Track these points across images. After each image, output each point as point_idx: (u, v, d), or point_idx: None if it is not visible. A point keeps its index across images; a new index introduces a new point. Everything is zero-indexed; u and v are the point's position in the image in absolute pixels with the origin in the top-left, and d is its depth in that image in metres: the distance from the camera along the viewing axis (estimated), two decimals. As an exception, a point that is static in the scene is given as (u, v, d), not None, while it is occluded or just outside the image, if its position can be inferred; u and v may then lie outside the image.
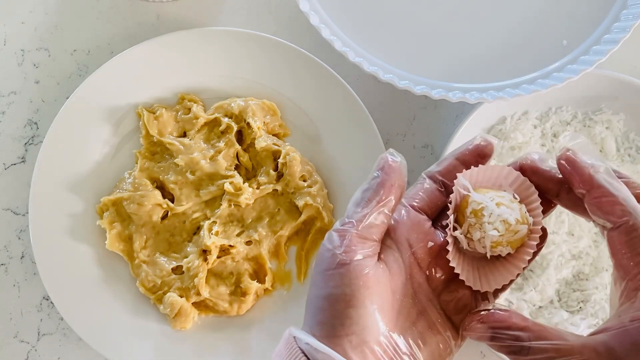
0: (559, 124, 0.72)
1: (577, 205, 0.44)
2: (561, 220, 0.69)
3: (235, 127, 0.71)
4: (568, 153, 0.43)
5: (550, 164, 0.45)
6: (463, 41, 0.69)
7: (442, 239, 0.46)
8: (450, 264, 0.44)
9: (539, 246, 0.45)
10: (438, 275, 0.46)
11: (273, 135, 0.73)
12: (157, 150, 0.72)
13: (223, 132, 0.72)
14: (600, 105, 0.73)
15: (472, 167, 0.46)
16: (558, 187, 0.45)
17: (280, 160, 0.71)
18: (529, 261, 0.44)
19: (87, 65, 0.76)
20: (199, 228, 0.71)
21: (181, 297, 0.68)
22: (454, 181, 0.45)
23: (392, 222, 0.46)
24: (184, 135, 0.73)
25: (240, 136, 0.73)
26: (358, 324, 0.41)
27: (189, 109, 0.72)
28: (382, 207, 0.44)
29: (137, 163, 0.72)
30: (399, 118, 0.76)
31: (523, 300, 0.69)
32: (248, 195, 0.70)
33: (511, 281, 0.45)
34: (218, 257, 0.70)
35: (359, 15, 0.69)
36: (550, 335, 0.41)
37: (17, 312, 0.73)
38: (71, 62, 0.76)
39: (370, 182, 0.45)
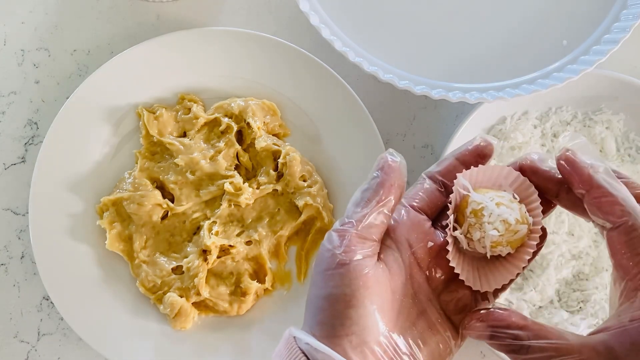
0: (559, 124, 0.72)
1: (576, 206, 0.44)
2: (561, 220, 0.69)
3: (235, 127, 0.71)
4: (567, 153, 0.43)
5: (549, 164, 0.45)
6: (463, 41, 0.69)
7: (441, 239, 0.46)
8: (450, 264, 0.45)
9: (539, 246, 0.45)
10: (438, 275, 0.46)
11: (273, 135, 0.73)
12: (157, 150, 0.72)
13: (223, 132, 0.72)
14: (600, 105, 0.73)
15: (472, 167, 0.46)
16: (557, 187, 0.45)
17: (280, 160, 0.71)
18: (529, 261, 0.44)
19: (87, 65, 0.76)
20: (199, 228, 0.71)
21: (181, 297, 0.68)
22: (454, 181, 0.45)
23: (392, 222, 0.46)
24: (184, 135, 0.73)
25: (240, 136, 0.73)
26: (358, 324, 0.41)
27: (189, 109, 0.72)
28: (382, 207, 0.44)
29: (137, 163, 0.72)
30: (399, 118, 0.76)
31: (523, 300, 0.69)
32: (248, 195, 0.70)
33: (511, 281, 0.45)
34: (218, 257, 0.70)
35: (359, 15, 0.69)
36: (549, 334, 0.41)
37: (17, 312, 0.74)
38: (71, 62, 0.76)
39: (369, 182, 0.45)
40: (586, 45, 0.68)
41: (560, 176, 0.44)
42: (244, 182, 0.70)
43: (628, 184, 0.43)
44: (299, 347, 0.41)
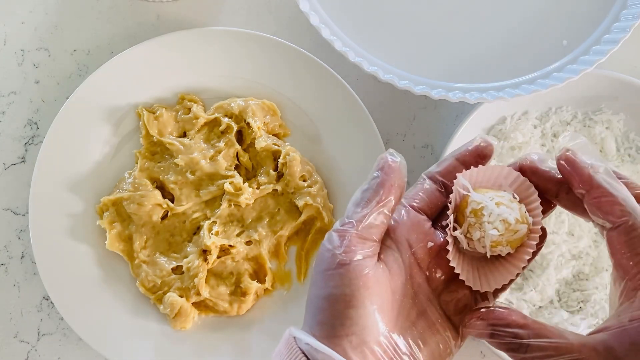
0: (559, 124, 0.72)
1: (576, 206, 0.44)
2: (561, 220, 0.69)
3: (235, 127, 0.71)
4: (567, 153, 0.43)
5: (549, 165, 0.45)
6: (463, 41, 0.69)
7: (441, 240, 0.46)
8: (450, 264, 0.45)
9: (539, 246, 0.45)
10: (438, 275, 0.46)
11: (273, 135, 0.73)
12: (157, 150, 0.72)
13: (223, 132, 0.72)
14: (600, 105, 0.73)
15: (472, 167, 0.46)
16: (557, 187, 0.45)
17: (280, 160, 0.71)
18: (529, 261, 0.44)
19: (87, 65, 0.76)
20: (199, 228, 0.71)
21: (181, 297, 0.68)
22: (454, 181, 0.45)
23: (392, 222, 0.46)
24: (184, 135, 0.73)
25: (240, 136, 0.73)
26: (358, 324, 0.41)
27: (189, 109, 0.72)
28: (382, 208, 0.44)
29: (137, 163, 0.72)
30: (399, 118, 0.76)
31: (523, 300, 0.69)
32: (248, 195, 0.70)
33: (511, 281, 0.45)
34: (218, 257, 0.70)
35: (359, 15, 0.69)
36: (549, 333, 0.41)
37: (17, 312, 0.74)
38: (71, 62, 0.76)
39: (370, 182, 0.45)
40: (586, 45, 0.68)
41: (560, 176, 0.44)
42: (244, 182, 0.70)
43: (628, 185, 0.43)
44: (299, 348, 0.41)
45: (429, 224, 0.47)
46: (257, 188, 0.71)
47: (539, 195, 0.45)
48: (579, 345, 0.40)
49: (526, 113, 0.72)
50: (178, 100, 0.73)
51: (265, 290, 0.71)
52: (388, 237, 0.46)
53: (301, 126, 0.73)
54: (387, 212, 0.44)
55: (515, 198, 0.44)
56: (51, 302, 0.73)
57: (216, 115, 0.72)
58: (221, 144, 0.71)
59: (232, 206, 0.71)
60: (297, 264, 0.72)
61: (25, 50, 0.76)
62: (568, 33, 0.69)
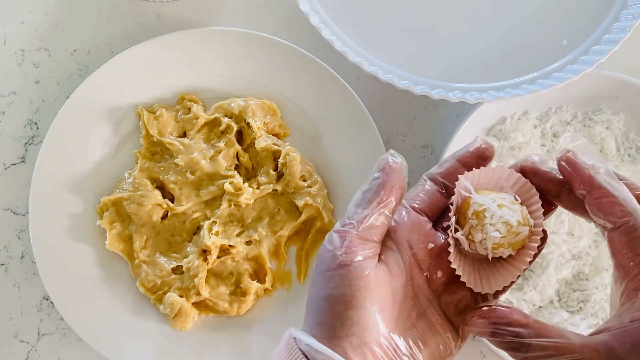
0: (559, 124, 0.72)
1: (577, 206, 0.44)
2: (561, 221, 0.69)
3: (235, 127, 0.71)
4: (568, 154, 0.43)
5: (550, 165, 0.45)
6: (463, 41, 0.69)
7: (442, 241, 0.46)
8: (452, 266, 0.45)
9: (540, 248, 0.45)
10: (438, 276, 0.46)
11: (273, 135, 0.73)
12: (157, 150, 0.72)
13: (223, 132, 0.72)
14: (600, 105, 0.73)
15: (474, 169, 0.46)
16: (559, 188, 0.45)
17: (280, 160, 0.71)
18: (530, 263, 0.44)
19: (87, 65, 0.76)
20: (199, 228, 0.71)
21: (181, 297, 0.68)
22: (456, 183, 0.45)
23: (393, 223, 0.46)
24: (184, 135, 0.73)
25: (240, 136, 0.73)
26: (358, 325, 0.41)
27: (189, 109, 0.72)
28: (383, 208, 0.44)
29: (137, 163, 0.72)
30: (399, 118, 0.76)
31: (523, 300, 0.69)
32: (248, 195, 0.70)
33: (512, 283, 0.45)
34: (218, 257, 0.70)
35: (359, 15, 0.69)
36: (550, 333, 0.41)
37: (17, 312, 0.74)
38: (71, 62, 0.76)
39: (370, 183, 0.45)
40: (586, 45, 0.68)
41: (561, 177, 0.44)
42: (244, 182, 0.70)
43: (628, 186, 0.43)
44: (299, 348, 0.41)
45: (430, 225, 0.47)
46: (257, 188, 0.71)
47: (540, 196, 0.45)
48: (580, 346, 0.40)
49: (526, 113, 0.72)
50: (178, 100, 0.73)
51: (265, 290, 0.71)
52: (389, 238, 0.46)
53: (301, 126, 0.73)
54: (387, 213, 0.44)
55: (517, 200, 0.44)
56: (51, 302, 0.73)
57: (216, 115, 0.72)
58: (221, 144, 0.71)
59: (232, 206, 0.71)
60: (297, 264, 0.72)
61: (25, 50, 0.76)
62: (568, 33, 0.69)
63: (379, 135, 0.70)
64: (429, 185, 0.47)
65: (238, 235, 0.71)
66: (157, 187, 0.71)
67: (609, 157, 0.72)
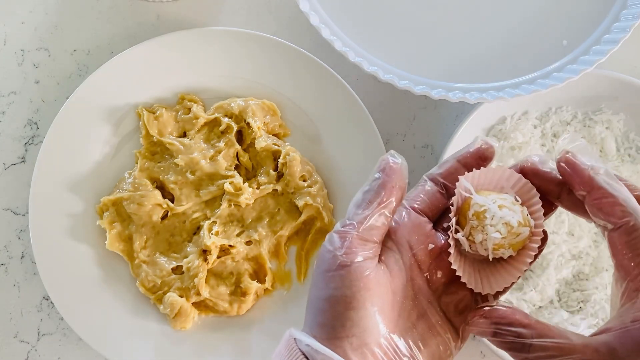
0: (559, 124, 0.72)
1: (578, 207, 0.44)
2: (561, 220, 0.69)
3: (235, 127, 0.71)
4: (567, 155, 0.43)
5: (550, 166, 0.45)
6: (463, 41, 0.69)
7: (442, 241, 0.46)
8: (452, 267, 0.44)
9: (540, 249, 0.45)
10: (438, 277, 0.46)
11: (273, 135, 0.73)
12: (157, 150, 0.72)
13: (223, 132, 0.72)
14: (600, 105, 0.73)
15: (474, 169, 0.46)
16: (559, 188, 0.45)
17: (280, 160, 0.71)
18: (530, 264, 0.44)
19: (87, 65, 0.76)
20: (199, 228, 0.71)
21: (181, 297, 0.68)
22: (456, 183, 0.45)
23: (393, 224, 0.46)
24: (184, 135, 0.73)
25: (240, 136, 0.73)
26: (359, 326, 0.41)
27: (189, 109, 0.72)
28: (383, 209, 0.44)
29: (137, 163, 0.72)
30: (399, 118, 0.76)
31: (523, 300, 0.69)
32: (248, 195, 0.70)
33: (512, 283, 0.45)
34: (218, 257, 0.70)
35: (359, 15, 0.69)
36: (552, 333, 0.41)
37: (17, 312, 0.74)
38: (71, 62, 0.76)
39: (371, 184, 0.45)
40: (586, 45, 0.68)
41: (561, 178, 0.44)
42: (244, 182, 0.70)
43: (628, 187, 0.43)
44: (300, 349, 0.42)
45: (430, 225, 0.47)
46: (257, 188, 0.71)
47: (540, 197, 0.45)
48: (581, 346, 0.40)
49: (526, 113, 0.72)
50: (178, 100, 0.73)
51: (265, 290, 0.71)
52: (389, 239, 0.46)
53: (301, 126, 0.73)
54: (388, 214, 0.44)
55: (518, 200, 0.44)
56: (51, 302, 0.73)
57: (216, 115, 0.72)
58: (221, 144, 0.71)
59: (232, 206, 0.71)
60: (297, 264, 0.72)
61: (25, 50, 0.76)
62: (568, 33, 0.69)
63: (379, 135, 0.70)
64: (429, 186, 0.47)
65: (238, 235, 0.71)
66: (157, 187, 0.71)
67: (609, 157, 0.72)
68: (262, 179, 0.71)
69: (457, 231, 0.45)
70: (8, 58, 0.76)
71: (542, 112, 0.73)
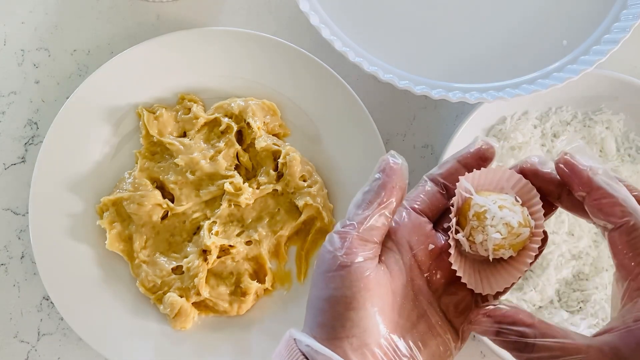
0: (559, 124, 0.72)
1: (578, 207, 0.44)
2: (561, 221, 0.69)
3: (235, 127, 0.71)
4: (566, 157, 0.43)
5: (550, 167, 0.45)
6: (463, 41, 0.69)
7: (442, 242, 0.46)
8: (452, 267, 0.44)
9: (540, 249, 0.45)
10: (438, 277, 0.46)
11: (273, 135, 0.73)
12: (157, 150, 0.72)
13: (223, 132, 0.72)
14: (600, 105, 0.73)
15: (474, 169, 0.46)
16: (559, 189, 0.45)
17: (280, 160, 0.71)
18: (530, 264, 0.44)
19: (87, 65, 0.76)
20: (199, 228, 0.71)
21: (181, 297, 0.68)
22: (457, 184, 0.45)
23: (393, 224, 0.46)
24: (184, 135, 0.73)
25: (240, 136, 0.73)
26: (359, 326, 0.41)
27: (189, 109, 0.72)
28: (383, 209, 0.44)
29: (137, 163, 0.72)
30: (399, 118, 0.76)
31: (523, 300, 0.69)
32: (248, 195, 0.70)
33: (512, 284, 0.45)
34: (218, 257, 0.70)
35: (359, 15, 0.69)
36: (556, 333, 0.41)
37: (17, 312, 0.74)
38: (71, 62, 0.76)
39: (371, 184, 0.45)
40: (586, 45, 0.68)
41: (560, 179, 0.44)
42: (244, 182, 0.70)
43: (627, 187, 0.43)
44: (300, 349, 0.42)
45: (430, 226, 0.47)
46: (257, 188, 0.71)
47: (540, 197, 0.45)
48: (585, 346, 0.40)
49: (526, 113, 0.72)
50: (178, 100, 0.73)
51: (265, 290, 0.71)
52: (389, 239, 0.46)
53: (301, 126, 0.73)
54: (388, 214, 0.44)
55: (518, 201, 0.44)
56: (51, 302, 0.73)
57: (216, 115, 0.72)
58: (221, 144, 0.71)
59: (232, 206, 0.71)
60: (297, 264, 0.72)
61: (25, 50, 0.76)
62: (568, 33, 0.69)
63: (379, 135, 0.70)
64: (429, 186, 0.47)
65: (238, 235, 0.71)
66: (157, 187, 0.71)
67: (609, 157, 0.72)
68: (262, 179, 0.71)
69: (457, 232, 0.45)
70: (8, 58, 0.76)
71: (542, 112, 0.73)
